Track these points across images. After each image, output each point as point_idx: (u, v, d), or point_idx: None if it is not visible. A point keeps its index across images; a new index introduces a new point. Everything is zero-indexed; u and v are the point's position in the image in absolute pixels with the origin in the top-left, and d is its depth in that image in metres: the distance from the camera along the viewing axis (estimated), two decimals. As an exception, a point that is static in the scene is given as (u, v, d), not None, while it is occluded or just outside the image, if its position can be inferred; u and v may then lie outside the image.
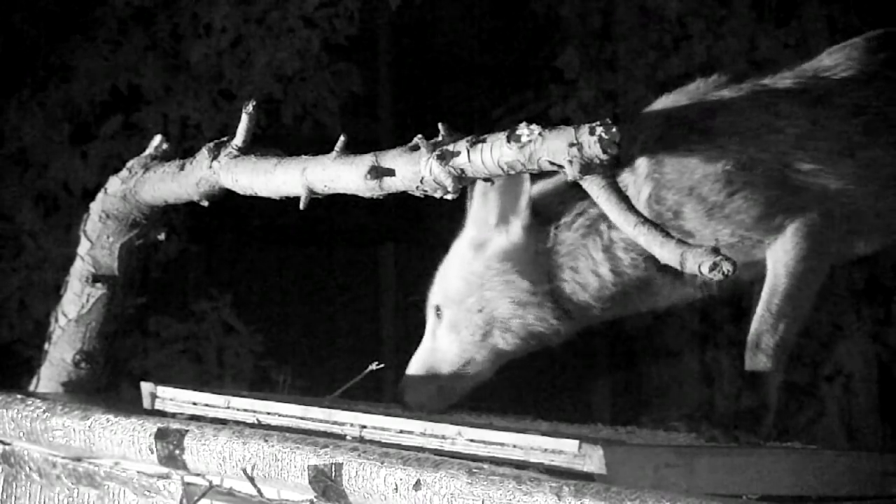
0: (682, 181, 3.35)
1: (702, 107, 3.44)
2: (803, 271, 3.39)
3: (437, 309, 3.56)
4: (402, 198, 3.92)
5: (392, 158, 2.94)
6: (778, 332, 3.41)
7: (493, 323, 3.49)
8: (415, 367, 3.55)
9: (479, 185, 3.38)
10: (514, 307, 3.47)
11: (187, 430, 2.83)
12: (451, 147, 2.84)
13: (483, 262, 3.49)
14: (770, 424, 3.38)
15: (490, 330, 3.50)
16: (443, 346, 3.55)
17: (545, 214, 3.46)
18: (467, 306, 3.51)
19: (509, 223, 3.45)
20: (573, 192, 3.36)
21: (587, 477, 2.37)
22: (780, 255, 3.40)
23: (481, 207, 3.48)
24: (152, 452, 2.85)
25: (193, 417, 3.03)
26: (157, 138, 3.62)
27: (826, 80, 3.53)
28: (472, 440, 2.57)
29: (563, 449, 2.43)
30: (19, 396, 3.21)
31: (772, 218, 3.36)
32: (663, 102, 3.54)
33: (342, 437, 2.74)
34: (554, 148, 2.68)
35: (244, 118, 3.29)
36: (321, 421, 2.83)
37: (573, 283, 3.45)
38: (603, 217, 3.19)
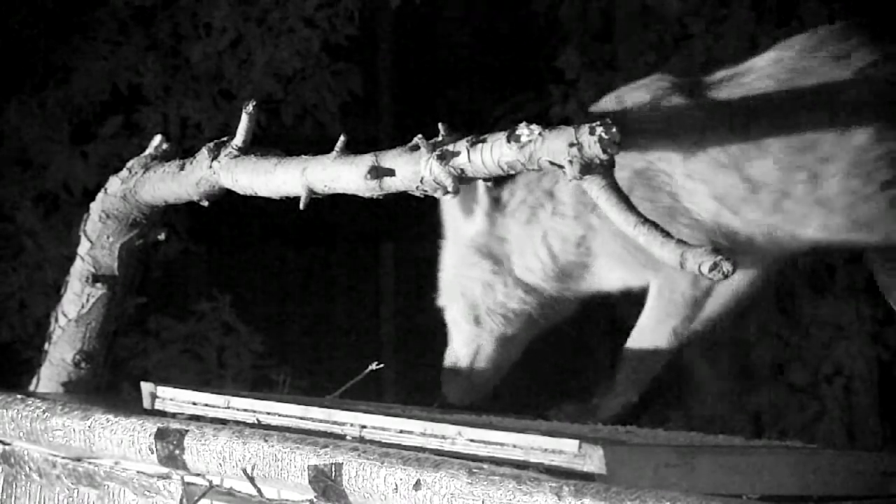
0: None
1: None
2: (651, 317, 3.65)
3: (443, 310, 3.78)
4: (402, 198, 3.92)
5: (392, 158, 2.94)
6: (664, 326, 3.63)
7: (477, 308, 3.75)
8: (445, 367, 3.80)
9: None
10: (486, 288, 3.74)
11: (187, 430, 2.83)
12: (451, 147, 2.84)
13: (457, 253, 3.77)
14: (615, 418, 3.59)
15: (478, 315, 3.75)
16: (455, 343, 3.80)
17: (500, 202, 3.73)
18: (456, 299, 3.77)
19: (473, 212, 3.72)
20: (520, 181, 3.68)
21: (587, 477, 2.37)
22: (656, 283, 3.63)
23: (449, 203, 3.74)
24: (152, 452, 2.85)
25: (193, 417, 3.03)
26: (157, 138, 3.62)
27: (735, 82, 3.62)
28: (472, 440, 2.57)
29: (563, 449, 2.42)
30: (19, 396, 3.21)
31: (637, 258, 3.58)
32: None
33: (342, 437, 2.74)
34: (554, 148, 2.68)
35: (244, 118, 3.29)
36: (321, 421, 2.83)
37: (521, 267, 3.73)
38: (541, 205, 3.66)
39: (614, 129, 2.63)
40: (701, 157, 3.52)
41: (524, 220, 3.72)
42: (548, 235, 3.70)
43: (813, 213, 3.51)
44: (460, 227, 3.78)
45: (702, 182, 3.54)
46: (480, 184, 3.63)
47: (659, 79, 3.67)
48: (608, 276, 3.73)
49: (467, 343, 3.77)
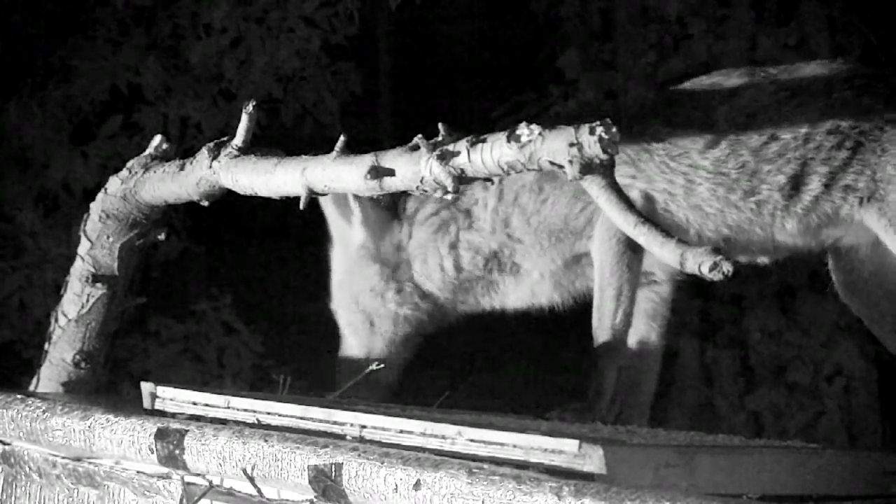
0: (509, 193, 3.83)
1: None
2: (604, 274, 3.75)
3: (335, 313, 4.00)
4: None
5: (392, 158, 2.94)
6: (603, 324, 3.73)
7: (370, 315, 3.93)
8: (341, 369, 3.99)
9: (323, 199, 3.84)
10: (375, 296, 3.92)
11: (187, 430, 2.83)
12: (451, 147, 2.83)
13: (346, 259, 3.94)
14: (603, 410, 3.67)
15: (370, 319, 3.93)
16: (346, 344, 4.02)
17: (398, 209, 3.93)
18: (346, 305, 3.96)
19: (351, 223, 3.91)
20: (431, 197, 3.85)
21: (587, 477, 2.37)
22: (594, 258, 3.77)
23: (329, 216, 3.95)
24: (152, 452, 2.85)
25: (193, 417, 3.03)
26: (157, 138, 3.62)
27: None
28: (472, 440, 2.57)
29: (563, 449, 2.42)
30: (19, 396, 3.21)
31: (577, 221, 3.77)
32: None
33: (342, 437, 2.74)
34: (554, 148, 2.68)
35: (244, 118, 3.29)
36: (321, 421, 2.83)
37: (420, 274, 3.91)
38: (454, 220, 3.87)
39: (614, 129, 2.63)
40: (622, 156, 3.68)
41: (433, 230, 3.89)
42: (458, 246, 3.88)
43: (690, 216, 3.69)
44: (345, 234, 3.94)
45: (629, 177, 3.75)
46: (349, 195, 3.83)
47: None
48: (517, 291, 3.91)
49: (359, 345, 3.97)
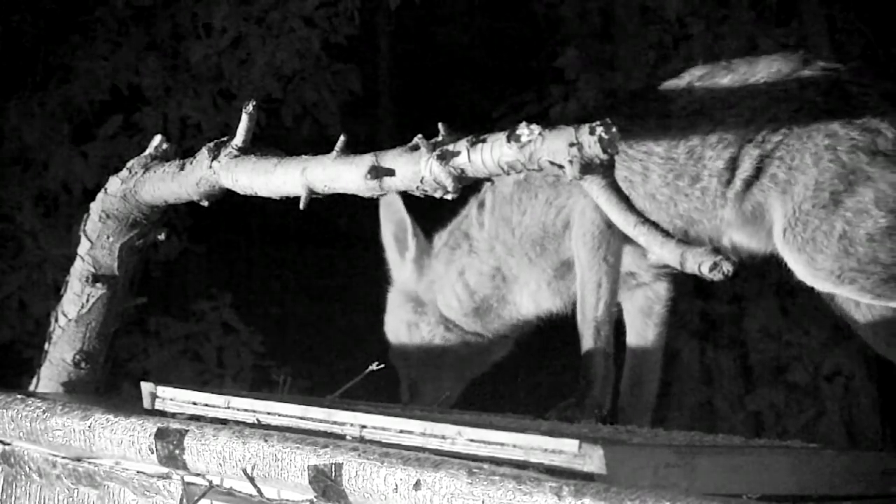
0: (496, 208, 3.94)
1: None
2: (583, 268, 3.79)
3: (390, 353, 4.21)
4: (402, 198, 3.94)
5: (392, 158, 2.94)
6: (586, 317, 3.77)
7: (406, 348, 4.14)
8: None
9: (385, 232, 4.12)
10: (411, 328, 4.13)
11: (187, 430, 2.83)
12: (451, 147, 2.83)
13: (393, 298, 4.22)
14: (594, 402, 3.72)
15: (407, 354, 4.13)
16: (402, 382, 4.20)
17: (432, 247, 4.13)
18: (392, 340, 4.19)
19: (405, 258, 4.14)
20: (448, 226, 4.08)
21: (587, 477, 2.37)
22: (574, 255, 3.83)
23: (389, 248, 4.19)
24: (152, 452, 2.85)
25: (193, 417, 3.03)
26: (157, 138, 3.62)
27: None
28: (472, 440, 2.56)
29: (563, 449, 2.42)
30: (19, 396, 3.21)
31: (555, 227, 3.86)
32: None
33: (342, 437, 2.74)
34: (554, 148, 2.68)
35: (244, 118, 3.29)
36: (321, 421, 2.82)
37: (444, 305, 4.08)
38: (458, 246, 4.02)
39: (614, 129, 2.63)
40: None
41: (445, 260, 4.06)
42: (465, 272, 4.02)
43: (647, 205, 3.73)
44: (396, 273, 4.17)
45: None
46: (409, 231, 4.08)
47: None
48: (522, 301, 4.00)
49: (404, 380, 4.15)
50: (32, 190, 7.16)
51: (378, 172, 2.95)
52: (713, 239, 3.74)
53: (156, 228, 3.66)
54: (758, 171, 3.65)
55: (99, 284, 3.63)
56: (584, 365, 3.74)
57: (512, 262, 3.95)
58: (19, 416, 3.14)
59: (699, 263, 2.54)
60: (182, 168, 3.42)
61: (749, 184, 3.66)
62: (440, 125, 2.88)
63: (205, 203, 3.44)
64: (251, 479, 2.70)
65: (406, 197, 3.45)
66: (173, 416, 3.06)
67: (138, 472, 2.93)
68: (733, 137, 3.67)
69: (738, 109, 3.68)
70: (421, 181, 2.88)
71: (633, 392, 3.88)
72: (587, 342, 3.75)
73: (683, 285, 4.01)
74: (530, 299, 3.98)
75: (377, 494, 2.47)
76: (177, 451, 2.81)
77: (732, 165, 3.67)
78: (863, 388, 7.24)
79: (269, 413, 2.93)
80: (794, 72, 3.69)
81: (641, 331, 3.91)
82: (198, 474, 2.81)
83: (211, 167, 3.32)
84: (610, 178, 2.68)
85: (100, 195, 3.62)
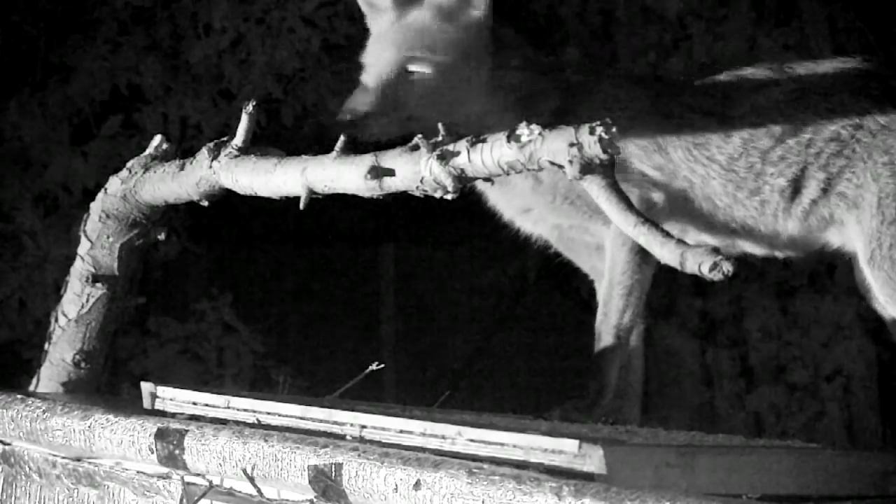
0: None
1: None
2: (615, 270, 3.67)
3: None
4: (402, 198, 3.93)
5: (392, 158, 2.94)
6: (609, 321, 3.65)
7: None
8: None
9: None
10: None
11: (187, 430, 2.83)
12: (451, 147, 2.84)
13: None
14: (608, 404, 3.62)
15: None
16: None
17: None
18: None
19: None
20: None
21: (587, 477, 2.37)
22: (607, 254, 3.71)
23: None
24: (152, 452, 2.85)
25: (193, 417, 3.03)
26: (157, 138, 3.62)
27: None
28: (472, 440, 2.57)
29: (563, 449, 2.42)
30: (19, 396, 3.21)
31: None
32: None
33: (342, 437, 2.74)
34: (554, 148, 2.68)
35: (244, 118, 3.29)
36: (321, 421, 2.83)
37: None
38: None
39: (614, 129, 2.63)
40: None
41: None
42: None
43: (704, 206, 3.68)
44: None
45: None
46: None
47: None
48: None
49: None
50: (32, 190, 7.16)
51: (378, 172, 2.95)
52: (768, 239, 3.73)
53: (156, 228, 3.66)
54: (824, 192, 3.66)
55: (99, 284, 3.63)
56: (598, 368, 3.64)
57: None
58: (19, 416, 3.14)
59: (699, 263, 2.54)
60: (182, 168, 3.42)
61: (816, 202, 3.67)
62: (440, 125, 2.88)
63: (205, 203, 3.44)
64: (251, 479, 2.70)
65: (406, 197, 3.44)
66: (173, 416, 3.06)
67: (138, 472, 2.93)
68: (795, 157, 3.66)
69: (798, 126, 3.65)
70: (421, 181, 2.88)
71: (623, 376, 3.79)
72: (605, 346, 3.64)
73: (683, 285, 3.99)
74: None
75: (377, 494, 2.47)
76: (177, 451, 2.81)
77: (796, 185, 3.66)
78: (863, 388, 7.25)
79: (269, 413, 2.93)
80: (842, 78, 3.67)
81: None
82: (198, 474, 2.81)
83: (211, 167, 3.32)
84: (610, 177, 2.68)
85: (100, 195, 3.62)
